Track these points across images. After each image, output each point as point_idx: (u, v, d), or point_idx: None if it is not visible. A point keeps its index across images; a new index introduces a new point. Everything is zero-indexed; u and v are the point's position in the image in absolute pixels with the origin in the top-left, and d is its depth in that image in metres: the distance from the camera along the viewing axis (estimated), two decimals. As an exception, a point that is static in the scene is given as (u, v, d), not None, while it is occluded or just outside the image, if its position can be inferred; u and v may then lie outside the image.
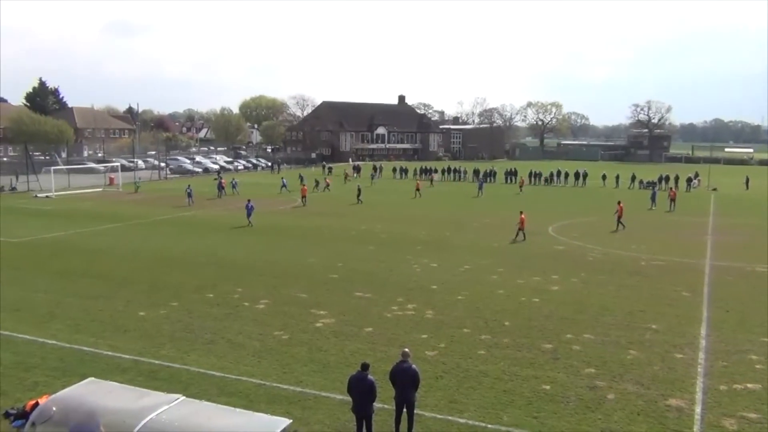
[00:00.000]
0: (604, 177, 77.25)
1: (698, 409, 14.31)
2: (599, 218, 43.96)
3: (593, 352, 17.83)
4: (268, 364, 16.73)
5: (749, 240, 37.41)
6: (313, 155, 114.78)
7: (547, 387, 15.42)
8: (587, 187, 75.12)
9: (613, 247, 33.99)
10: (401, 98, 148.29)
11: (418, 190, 59.78)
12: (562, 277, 26.84)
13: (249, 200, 41.31)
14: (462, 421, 13.63)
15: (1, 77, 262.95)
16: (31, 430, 10.08)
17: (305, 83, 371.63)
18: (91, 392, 10.78)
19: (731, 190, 71.77)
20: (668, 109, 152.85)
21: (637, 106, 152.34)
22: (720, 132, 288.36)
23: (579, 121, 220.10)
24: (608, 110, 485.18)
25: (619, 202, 41.22)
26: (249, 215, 39.70)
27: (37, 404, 12.42)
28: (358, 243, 34.39)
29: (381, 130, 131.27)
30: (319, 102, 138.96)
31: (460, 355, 17.55)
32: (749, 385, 15.67)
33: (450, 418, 13.77)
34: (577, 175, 78.99)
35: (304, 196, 51.25)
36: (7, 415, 13.61)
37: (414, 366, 13.02)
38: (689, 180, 73.83)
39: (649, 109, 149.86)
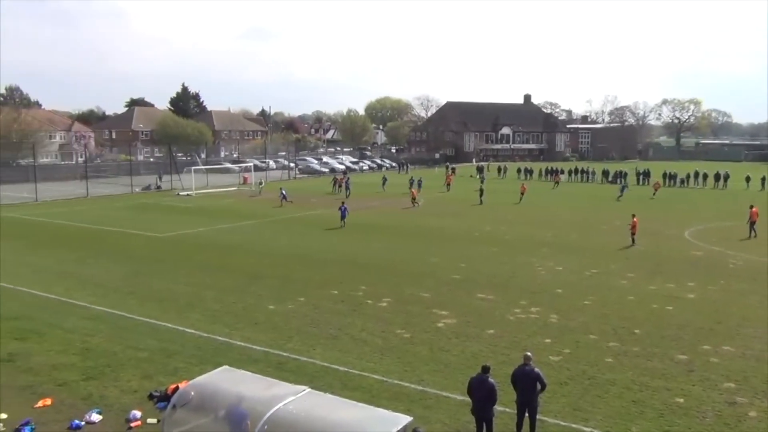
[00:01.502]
0: (748, 179, 71.82)
1: None
2: (741, 223, 40.91)
3: (733, 366, 16.67)
4: (390, 362, 16.98)
5: None
6: (437, 155, 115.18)
7: (681, 400, 14.60)
8: (728, 189, 70.16)
9: (756, 254, 31.59)
10: (527, 97, 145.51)
11: (523, 194, 56.96)
12: (698, 285, 25.29)
13: (343, 203, 42.07)
14: (587, 429, 13.20)
15: (148, 84, 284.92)
16: (171, 412, 10.83)
17: (430, 84, 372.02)
18: (226, 380, 11.44)
19: None
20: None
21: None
22: None
23: (720, 119, 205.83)
24: (754, 107, 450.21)
25: (752, 206, 38.21)
26: (343, 217, 40.12)
27: (177, 388, 13.36)
28: (481, 244, 34.11)
29: (506, 130, 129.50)
30: (443, 102, 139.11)
31: (585, 361, 17.00)
32: None
33: (574, 425, 13.38)
34: (717, 177, 73.87)
35: (413, 198, 50.95)
36: (151, 396, 14.72)
37: (537, 369, 12.76)
38: None
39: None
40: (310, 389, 10.96)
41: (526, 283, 25.63)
